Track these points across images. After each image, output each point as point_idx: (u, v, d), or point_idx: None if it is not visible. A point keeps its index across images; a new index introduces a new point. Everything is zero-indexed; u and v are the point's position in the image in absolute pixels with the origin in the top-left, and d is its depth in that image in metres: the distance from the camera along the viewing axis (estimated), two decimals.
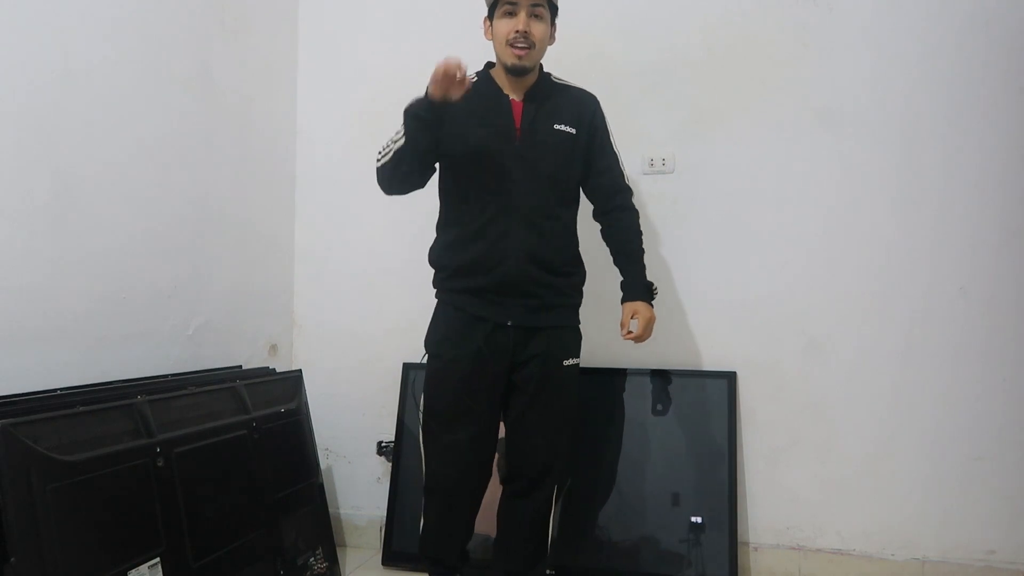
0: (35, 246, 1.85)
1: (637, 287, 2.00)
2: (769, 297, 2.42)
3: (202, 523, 1.86)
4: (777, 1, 2.43)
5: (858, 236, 2.36)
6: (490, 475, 2.07)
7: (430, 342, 2.03)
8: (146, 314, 2.18)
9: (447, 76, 1.70)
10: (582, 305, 2.07)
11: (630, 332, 2.00)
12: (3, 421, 1.45)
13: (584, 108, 2.01)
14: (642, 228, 2.09)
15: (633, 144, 2.52)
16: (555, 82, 2.05)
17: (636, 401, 2.48)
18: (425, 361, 2.05)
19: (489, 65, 2.05)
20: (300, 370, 2.55)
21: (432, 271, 2.05)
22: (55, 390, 1.79)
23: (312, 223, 2.84)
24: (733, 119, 2.46)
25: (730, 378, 2.43)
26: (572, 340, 2.02)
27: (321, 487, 2.46)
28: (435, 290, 2.04)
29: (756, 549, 2.40)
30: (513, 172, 1.91)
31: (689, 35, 2.50)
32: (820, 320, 2.38)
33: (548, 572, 2.35)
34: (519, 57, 1.89)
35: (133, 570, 1.64)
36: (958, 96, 2.29)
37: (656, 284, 2.06)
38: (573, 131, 1.96)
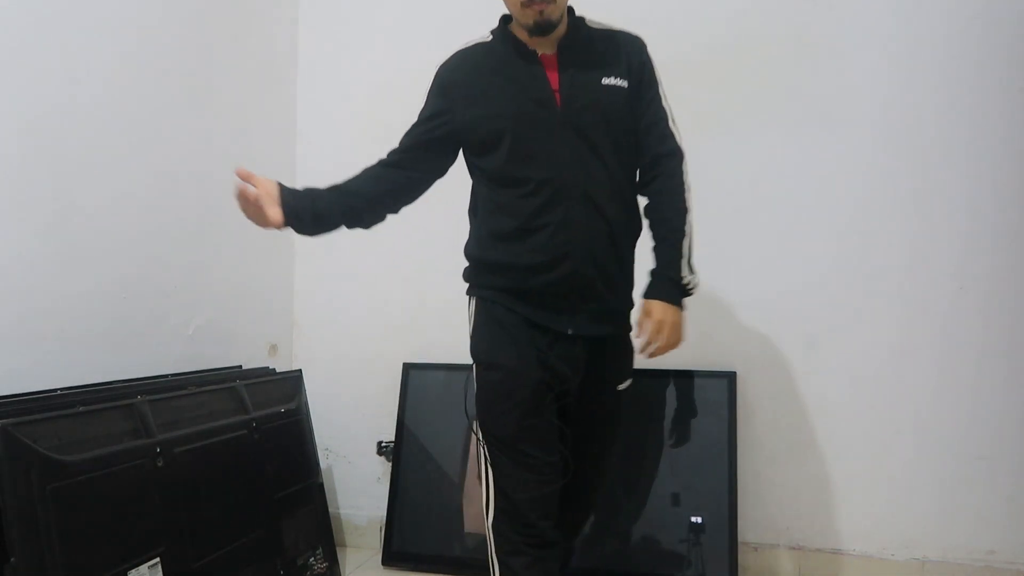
0: (35, 246, 1.85)
1: (658, 280, 1.57)
2: (769, 297, 2.42)
3: (202, 523, 1.86)
4: (777, 1, 2.43)
5: (858, 236, 2.36)
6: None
7: (480, 350, 1.62)
8: (146, 314, 2.18)
9: (246, 201, 1.57)
10: None
11: (648, 344, 1.57)
12: (3, 421, 1.45)
13: (632, 54, 1.61)
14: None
15: None
16: (593, 28, 1.63)
17: (636, 401, 2.47)
18: (475, 374, 1.64)
19: (506, 19, 1.61)
20: (300, 370, 2.55)
21: (466, 263, 1.71)
22: (55, 390, 1.79)
23: None
24: (733, 119, 2.46)
25: (730, 378, 2.42)
26: (629, 356, 1.69)
27: (321, 487, 2.46)
28: (468, 285, 1.68)
29: (756, 549, 2.40)
30: (559, 147, 1.53)
31: (689, 35, 2.49)
32: (820, 320, 2.38)
33: None
34: (540, 12, 1.48)
35: (133, 570, 1.64)
36: (958, 96, 2.29)
37: (697, 278, 1.62)
38: (625, 84, 1.57)
